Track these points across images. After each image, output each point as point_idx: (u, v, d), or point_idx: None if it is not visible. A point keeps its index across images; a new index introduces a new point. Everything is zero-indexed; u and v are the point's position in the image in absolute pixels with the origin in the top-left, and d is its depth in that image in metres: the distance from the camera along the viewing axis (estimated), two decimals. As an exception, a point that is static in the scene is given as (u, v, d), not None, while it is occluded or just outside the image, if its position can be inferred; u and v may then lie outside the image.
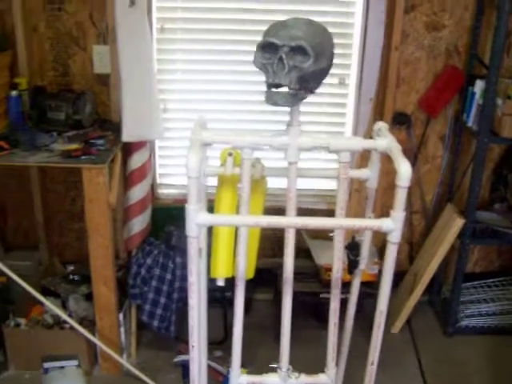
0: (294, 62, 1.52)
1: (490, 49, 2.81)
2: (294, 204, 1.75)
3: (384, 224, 1.58)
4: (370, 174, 1.95)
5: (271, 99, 1.57)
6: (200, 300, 2.11)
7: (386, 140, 1.73)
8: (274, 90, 1.57)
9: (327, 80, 3.06)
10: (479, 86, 2.98)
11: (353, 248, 2.07)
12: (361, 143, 1.72)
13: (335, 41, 3.02)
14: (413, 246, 3.55)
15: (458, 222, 3.06)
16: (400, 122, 3.26)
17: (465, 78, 3.14)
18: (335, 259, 1.81)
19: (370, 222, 1.63)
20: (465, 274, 3.30)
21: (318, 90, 3.07)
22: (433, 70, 3.19)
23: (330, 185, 3.34)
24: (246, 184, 1.73)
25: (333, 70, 3.04)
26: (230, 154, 1.85)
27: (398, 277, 3.49)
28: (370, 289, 2.95)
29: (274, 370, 1.98)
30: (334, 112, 3.29)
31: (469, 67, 3.13)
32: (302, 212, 3.25)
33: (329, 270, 2.87)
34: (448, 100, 3.18)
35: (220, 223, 1.74)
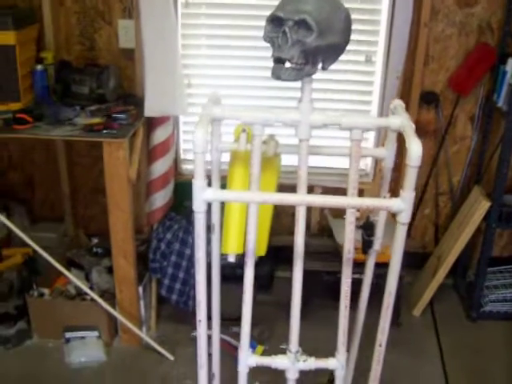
0: (297, 36, 1.48)
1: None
2: (305, 182, 1.72)
3: (394, 204, 1.55)
4: (386, 153, 1.91)
5: (275, 74, 1.54)
6: (214, 276, 2.14)
7: (399, 118, 1.68)
8: (278, 64, 1.54)
9: (353, 57, 3.09)
10: (511, 63, 2.88)
11: (367, 228, 2.03)
12: (373, 121, 1.68)
13: (361, 17, 3.03)
14: (438, 227, 3.49)
15: (484, 205, 3.00)
16: (428, 100, 3.19)
17: (497, 56, 3.04)
18: (346, 240, 1.78)
19: (380, 202, 1.59)
20: (492, 258, 3.23)
21: (344, 67, 3.09)
22: (464, 48, 3.10)
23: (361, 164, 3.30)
24: (257, 160, 1.71)
25: (359, 47, 3.10)
26: (244, 130, 1.84)
27: (423, 258, 3.45)
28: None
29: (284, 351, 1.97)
30: (360, 90, 3.23)
31: (502, 45, 3.03)
32: (327, 190, 3.29)
33: (355, 249, 2.86)
34: (479, 79, 3.10)
35: (227, 199, 1.73)
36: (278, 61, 1.57)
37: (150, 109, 2.76)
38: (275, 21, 1.54)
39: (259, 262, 3.27)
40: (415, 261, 3.38)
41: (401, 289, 3.08)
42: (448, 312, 3.32)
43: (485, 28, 3.05)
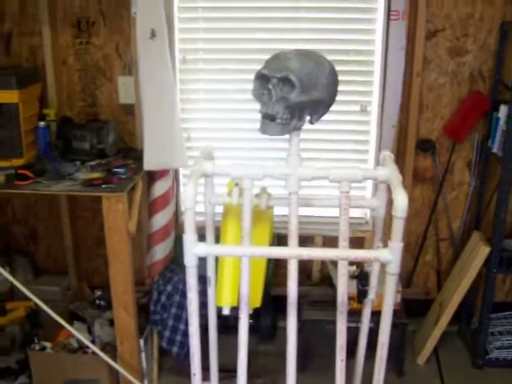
0: (282, 92, 1.54)
1: (513, 73, 2.78)
2: (296, 234, 1.75)
3: (381, 255, 1.57)
4: (377, 203, 1.94)
5: (262, 129, 1.59)
6: (211, 327, 2.15)
7: (387, 170, 1.72)
8: (265, 120, 1.59)
9: (348, 107, 3.15)
10: (503, 111, 2.93)
11: (362, 278, 2.05)
12: (361, 173, 1.72)
13: (355, 68, 3.10)
14: (441, 273, 3.48)
15: (484, 250, 3.00)
16: (424, 148, 3.22)
17: (490, 104, 3.09)
18: (339, 292, 1.80)
19: (367, 253, 1.61)
20: (496, 303, 3.21)
21: (340, 118, 3.15)
22: (457, 96, 3.16)
23: (355, 213, 3.33)
24: (247, 214, 1.74)
25: (354, 97, 3.15)
26: (237, 184, 1.88)
27: (427, 305, 3.43)
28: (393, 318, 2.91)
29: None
30: (357, 139, 3.28)
31: (494, 92, 3.09)
32: (328, 239, 3.30)
33: (351, 298, 2.85)
34: (473, 125, 3.14)
35: (217, 253, 1.76)
36: (266, 116, 1.63)
37: (149, 163, 2.81)
38: (261, 78, 1.60)
39: (260, 313, 3.30)
40: (419, 308, 3.37)
41: (404, 337, 3.06)
42: (453, 360, 3.28)
43: (476, 76, 3.11)
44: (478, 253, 3.03)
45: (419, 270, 3.48)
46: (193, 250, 1.58)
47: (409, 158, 3.18)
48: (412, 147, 3.18)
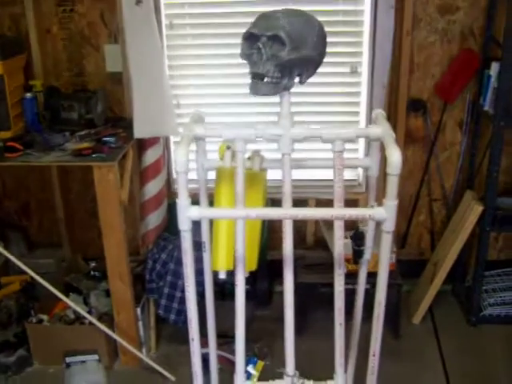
0: (271, 51, 1.51)
1: (504, 29, 2.74)
2: (290, 195, 1.74)
3: (376, 213, 1.56)
4: (370, 163, 1.93)
5: (253, 89, 1.57)
6: (207, 292, 2.14)
7: (380, 127, 1.70)
8: (255, 80, 1.56)
9: (339, 69, 3.12)
10: (495, 68, 2.91)
11: (357, 238, 2.05)
12: (354, 132, 1.70)
13: (345, 29, 3.06)
14: (434, 233, 3.50)
15: (477, 209, 3.00)
16: (415, 108, 3.21)
17: (481, 61, 3.07)
18: (335, 254, 1.80)
19: (362, 212, 1.61)
20: (490, 261, 3.24)
21: (330, 80, 3.12)
22: (448, 54, 3.13)
23: (348, 175, 3.32)
24: (241, 177, 1.73)
25: (344, 59, 3.12)
26: (228, 148, 1.86)
27: (421, 266, 3.45)
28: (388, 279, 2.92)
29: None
30: (348, 101, 3.25)
31: (485, 50, 3.06)
32: (321, 202, 3.29)
33: (346, 260, 2.86)
34: (464, 84, 3.12)
35: (211, 216, 1.75)
36: (255, 76, 1.60)
37: (139, 131, 2.78)
38: (250, 38, 1.57)
39: (257, 278, 3.31)
40: (413, 269, 3.39)
41: (399, 298, 3.08)
42: (448, 318, 3.31)
43: (467, 34, 3.08)
44: (472, 212, 3.03)
45: (413, 230, 3.49)
46: (186, 213, 1.56)
47: (400, 118, 3.16)
48: (403, 107, 3.16)
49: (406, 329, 3.19)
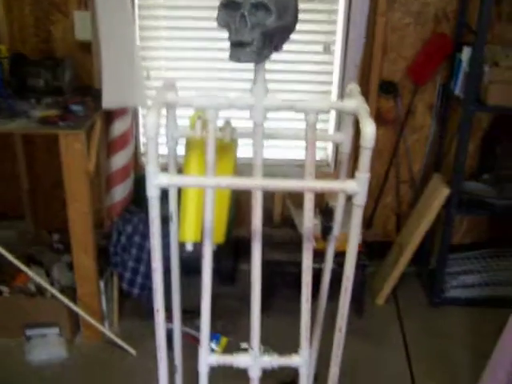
0: (256, 18, 1.48)
1: (477, 14, 2.75)
2: (261, 166, 1.71)
3: (348, 186, 1.55)
4: (342, 138, 1.91)
5: (235, 56, 1.53)
6: (173, 266, 2.11)
7: (354, 101, 1.68)
8: (237, 47, 1.53)
9: (312, 47, 3.10)
10: (466, 53, 2.92)
11: (326, 214, 2.05)
12: (328, 104, 1.68)
13: (319, 7, 3.04)
14: (400, 216, 3.52)
15: (444, 192, 3.03)
16: (387, 90, 3.21)
17: (453, 45, 3.08)
18: (305, 228, 1.78)
19: (334, 184, 1.60)
20: (454, 245, 3.28)
21: (303, 58, 3.10)
22: (421, 37, 3.13)
23: (317, 154, 3.31)
24: (211, 146, 1.69)
25: (317, 37, 3.09)
26: (199, 117, 1.82)
27: (386, 248, 3.47)
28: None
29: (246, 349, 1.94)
30: (319, 80, 3.24)
31: (457, 34, 3.08)
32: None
33: (314, 238, 2.86)
34: (436, 68, 3.13)
35: (180, 184, 1.72)
36: (238, 44, 1.56)
37: (108, 101, 2.71)
38: (230, 5, 1.53)
39: (221, 255, 3.29)
40: (378, 250, 3.41)
41: (364, 278, 3.10)
42: (411, 299, 3.35)
43: (441, 17, 3.09)
44: (438, 194, 3.06)
45: (379, 212, 3.51)
46: (155, 180, 1.53)
47: (371, 99, 3.16)
48: (375, 88, 3.16)
49: (369, 309, 3.22)
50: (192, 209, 1.88)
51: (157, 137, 1.51)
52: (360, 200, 1.57)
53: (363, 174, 1.54)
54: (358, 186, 1.54)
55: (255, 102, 1.65)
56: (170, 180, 1.54)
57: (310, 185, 1.56)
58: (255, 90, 1.65)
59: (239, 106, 1.66)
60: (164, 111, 1.75)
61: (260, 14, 1.51)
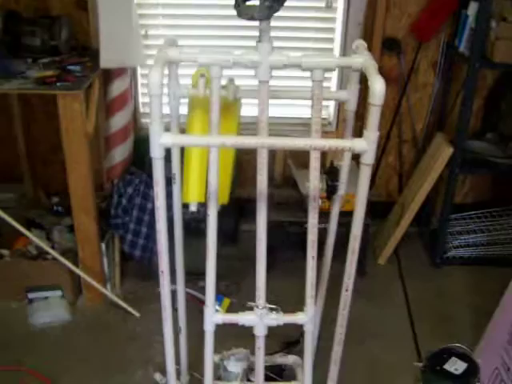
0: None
1: (484, -32, 2.68)
2: (266, 125, 1.67)
3: (356, 144, 1.51)
4: (348, 96, 1.87)
5: (247, 13, 1.48)
6: (176, 228, 2.09)
7: (362, 57, 1.64)
8: (248, 3, 1.47)
9: (313, 3, 3.02)
10: (473, 8, 2.85)
11: (331, 173, 2.01)
12: (335, 60, 1.63)
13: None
14: (403, 176, 3.49)
15: (447, 151, 3.00)
16: (390, 47, 3.15)
17: (459, 1, 3.00)
18: (311, 186, 1.75)
19: (342, 143, 1.56)
20: (456, 205, 3.26)
21: (305, 14, 3.03)
22: (426, -7, 3.06)
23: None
24: (216, 104, 1.65)
25: (319, -7, 3.01)
26: (203, 75, 1.77)
27: (388, 207, 3.45)
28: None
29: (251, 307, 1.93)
30: (322, 37, 3.17)
31: (463, -11, 3.00)
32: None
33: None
34: (440, 24, 3.06)
35: (185, 143, 1.68)
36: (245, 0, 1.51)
37: (106, 60, 2.66)
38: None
39: (223, 216, 3.25)
40: (380, 210, 3.39)
41: (366, 238, 3.08)
42: (413, 259, 3.35)
43: (447, -29, 3.01)
44: (442, 154, 3.03)
45: (381, 171, 3.48)
46: (159, 140, 1.49)
47: (374, 57, 3.05)
48: (378, 46, 3.10)
49: (371, 269, 3.22)
50: (196, 169, 1.85)
51: (160, 95, 1.47)
52: (369, 159, 1.55)
53: (372, 133, 1.50)
54: (366, 144, 1.51)
55: (261, 60, 1.60)
56: (174, 139, 1.51)
57: (318, 143, 1.52)
58: (261, 47, 1.60)
59: (244, 63, 1.61)
60: (166, 70, 1.70)
61: None
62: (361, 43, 1.76)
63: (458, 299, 3.04)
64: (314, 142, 1.53)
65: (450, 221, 3.26)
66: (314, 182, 1.75)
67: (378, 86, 1.46)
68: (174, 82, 1.80)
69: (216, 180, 1.69)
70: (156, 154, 1.52)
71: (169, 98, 1.82)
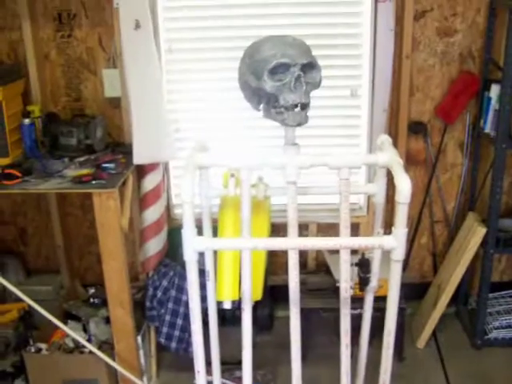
0: (306, 78, 1.49)
1: (503, 51, 2.74)
2: (295, 224, 1.71)
3: (385, 242, 1.53)
4: (376, 189, 1.90)
5: (298, 121, 1.54)
6: (211, 321, 2.10)
7: (387, 154, 1.68)
8: (294, 110, 1.54)
9: (339, 92, 3.11)
10: (495, 90, 2.91)
11: (363, 265, 2.02)
12: (360, 159, 1.68)
13: (344, 52, 3.06)
14: (436, 256, 3.47)
15: (480, 232, 2.98)
16: (416, 131, 3.19)
17: (480, 83, 3.06)
18: (342, 279, 1.77)
19: (371, 241, 1.58)
20: (493, 283, 3.20)
21: (330, 103, 3.11)
22: (447, 77, 3.13)
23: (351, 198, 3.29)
24: (246, 205, 1.70)
25: (344, 82, 3.11)
26: (232, 175, 1.83)
27: (423, 289, 3.41)
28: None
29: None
30: (348, 124, 3.24)
31: (484, 72, 3.06)
32: (322, 226, 3.27)
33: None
34: (464, 106, 3.11)
35: (217, 247, 1.72)
36: (302, 107, 1.57)
37: (139, 156, 2.76)
38: (278, 68, 1.54)
39: (258, 303, 3.26)
40: (415, 291, 3.35)
41: (403, 321, 3.04)
42: (452, 341, 3.27)
43: (466, 56, 3.08)
44: (475, 234, 3.01)
45: (415, 253, 3.46)
46: (193, 245, 1.53)
47: (401, 141, 3.15)
48: (404, 130, 3.15)
49: (410, 353, 3.15)
50: (229, 268, 1.88)
51: (192, 201, 1.52)
52: (398, 255, 1.56)
53: (400, 230, 1.52)
54: (395, 241, 1.53)
55: (288, 161, 1.66)
56: (207, 244, 1.55)
57: (347, 243, 1.55)
58: (287, 149, 1.66)
59: (272, 165, 1.67)
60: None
61: (310, 74, 1.53)
62: (386, 138, 1.81)
63: (500, 382, 2.94)
64: (343, 242, 1.55)
65: (489, 300, 3.19)
66: (344, 275, 1.76)
67: (404, 186, 1.49)
68: (205, 184, 1.85)
69: (249, 280, 1.71)
70: (189, 257, 1.56)
71: (200, 199, 1.87)
